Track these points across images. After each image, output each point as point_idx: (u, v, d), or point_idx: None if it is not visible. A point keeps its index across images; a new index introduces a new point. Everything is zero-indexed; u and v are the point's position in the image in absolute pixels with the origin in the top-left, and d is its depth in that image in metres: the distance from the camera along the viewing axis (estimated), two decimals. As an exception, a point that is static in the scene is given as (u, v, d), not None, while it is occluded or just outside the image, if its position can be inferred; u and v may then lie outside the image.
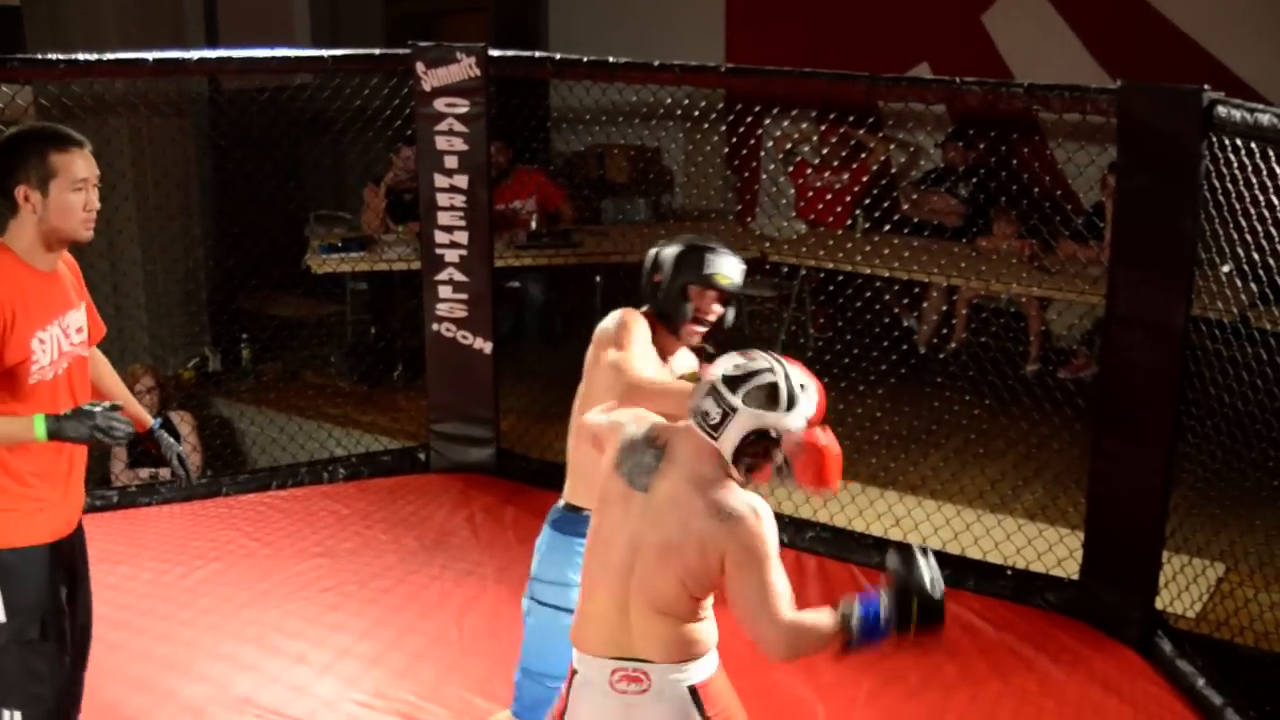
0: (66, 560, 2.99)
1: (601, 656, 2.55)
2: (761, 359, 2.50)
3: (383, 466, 5.65)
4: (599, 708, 2.56)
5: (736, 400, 2.43)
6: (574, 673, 2.61)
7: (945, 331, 6.69)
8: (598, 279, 6.88)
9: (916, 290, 6.74)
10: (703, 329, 3.07)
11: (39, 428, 2.75)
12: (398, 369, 6.75)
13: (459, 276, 5.41)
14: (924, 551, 2.49)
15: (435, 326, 5.48)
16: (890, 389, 5.74)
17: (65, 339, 2.93)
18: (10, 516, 2.85)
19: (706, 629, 2.56)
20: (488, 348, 5.46)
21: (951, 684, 4.02)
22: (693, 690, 2.53)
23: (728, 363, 2.50)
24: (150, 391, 5.84)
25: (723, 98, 6.90)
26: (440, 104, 5.27)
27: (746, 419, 2.42)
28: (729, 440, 2.44)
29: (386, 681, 3.97)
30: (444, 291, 5.44)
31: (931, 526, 4.97)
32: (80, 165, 2.84)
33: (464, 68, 5.23)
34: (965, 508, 5.15)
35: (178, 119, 6.61)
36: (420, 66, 5.25)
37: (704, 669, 2.55)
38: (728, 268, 3.05)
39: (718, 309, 3.07)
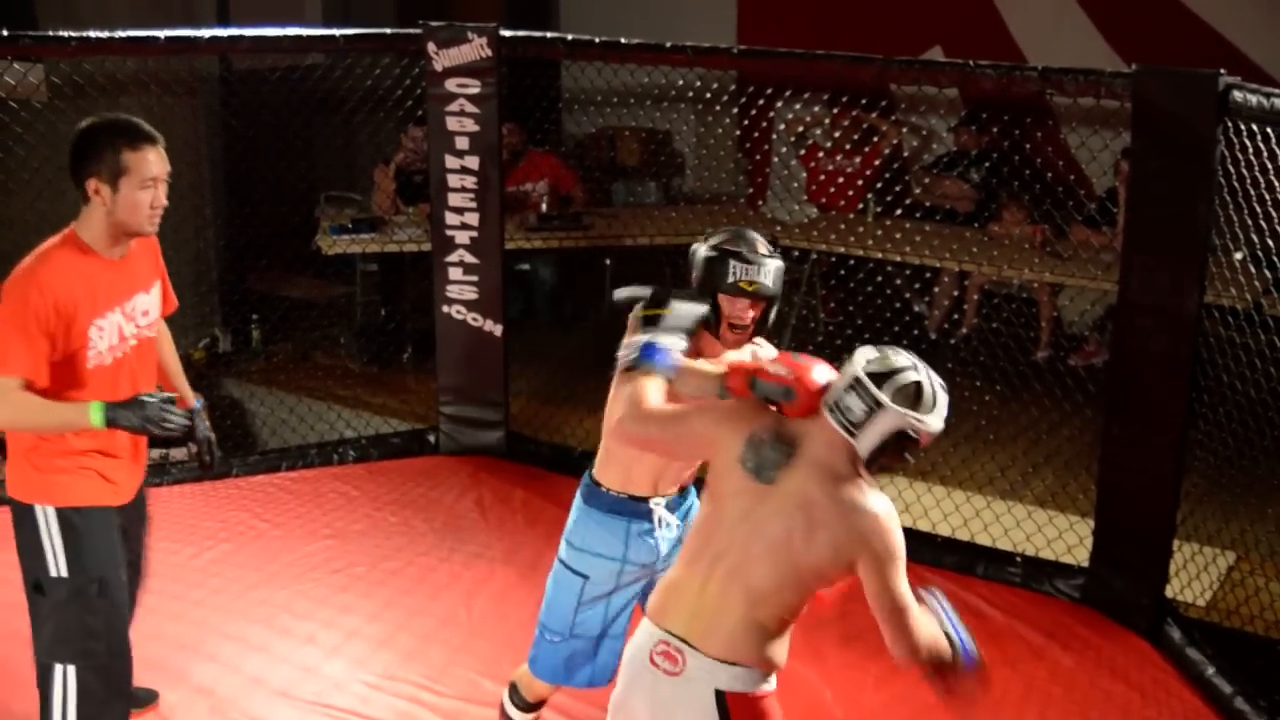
0: (128, 521, 3.10)
1: (658, 626, 2.50)
2: (902, 356, 2.44)
3: (392, 449, 5.65)
4: (631, 674, 2.54)
5: (884, 397, 2.36)
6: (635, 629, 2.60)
7: (956, 317, 6.67)
8: (608, 262, 6.87)
9: (928, 275, 6.72)
10: (739, 334, 2.94)
11: (95, 415, 2.82)
12: (408, 351, 6.75)
13: (469, 258, 5.41)
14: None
15: (445, 308, 5.47)
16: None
17: (128, 323, 3.01)
18: (77, 478, 2.95)
19: (774, 645, 2.48)
20: (498, 330, 5.46)
21: (960, 670, 4.02)
22: (720, 695, 2.44)
23: (865, 357, 2.43)
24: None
25: (734, 80, 6.87)
26: (452, 84, 5.25)
27: (893, 418, 2.36)
28: (870, 438, 2.38)
29: (395, 663, 3.98)
30: (454, 273, 5.43)
31: (941, 513, 4.96)
32: (152, 164, 2.92)
33: (476, 48, 5.22)
34: (975, 494, 5.14)
35: (189, 98, 6.58)
36: (432, 46, 5.24)
37: (748, 682, 2.46)
38: (755, 273, 2.88)
39: (750, 313, 2.92)
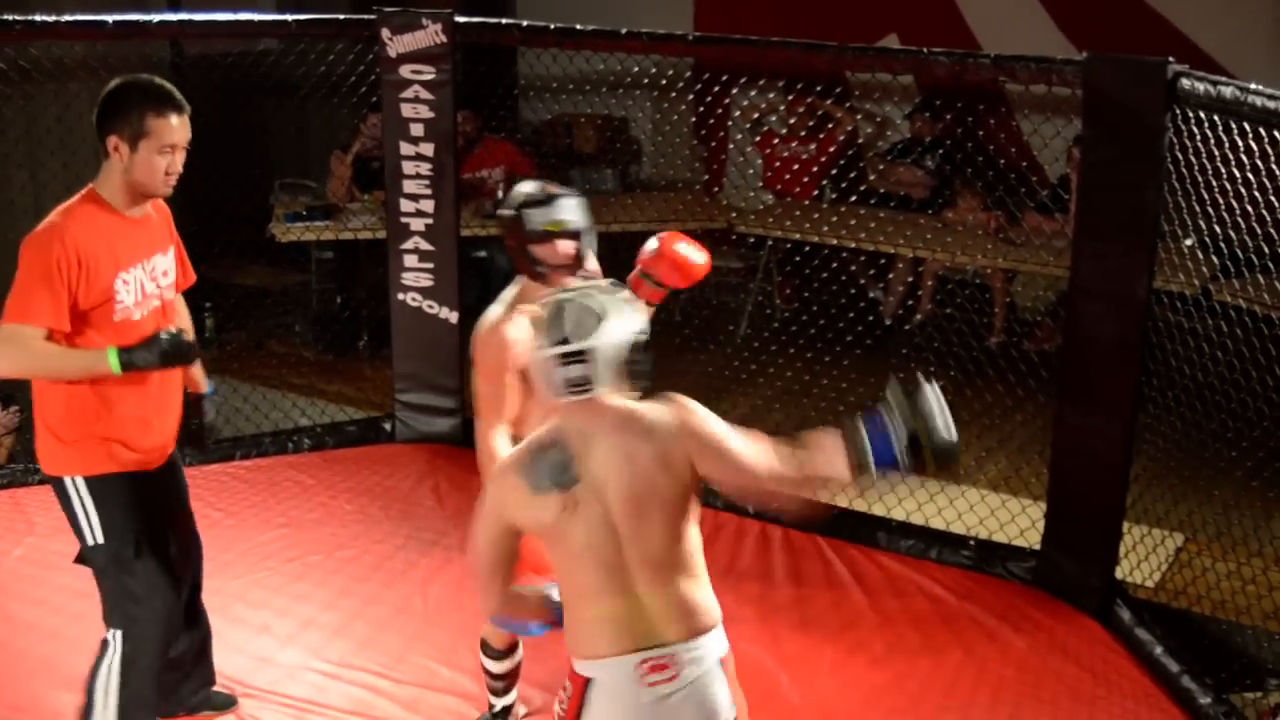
0: (160, 488, 3.17)
1: (621, 655, 2.39)
2: (550, 304, 2.42)
3: (348, 437, 5.62)
4: (627, 710, 2.41)
5: (585, 345, 2.35)
6: (585, 683, 2.43)
7: (911, 303, 6.71)
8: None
9: (883, 261, 6.75)
10: (570, 272, 3.05)
11: (112, 359, 2.89)
12: (363, 339, 6.71)
13: (425, 245, 5.38)
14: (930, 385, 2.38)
15: (401, 296, 5.45)
16: (856, 360, 5.75)
17: (151, 282, 3.09)
18: (102, 447, 3.01)
19: (709, 593, 2.47)
20: (454, 317, 5.44)
21: (914, 653, 4.06)
22: (720, 663, 2.45)
23: (542, 343, 2.39)
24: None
25: (690, 67, 6.87)
26: (406, 71, 5.22)
27: (605, 350, 2.36)
28: (606, 377, 2.37)
29: (350, 651, 3.97)
30: (410, 260, 5.41)
31: (895, 497, 4.98)
32: (173, 131, 2.98)
33: (430, 34, 5.18)
34: (928, 479, 5.17)
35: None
36: (386, 32, 5.20)
37: (722, 641, 2.48)
38: (557, 213, 3.04)
39: (569, 249, 3.06)
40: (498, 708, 3.50)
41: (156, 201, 3.16)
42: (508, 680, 3.46)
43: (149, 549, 3.07)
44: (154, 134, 2.94)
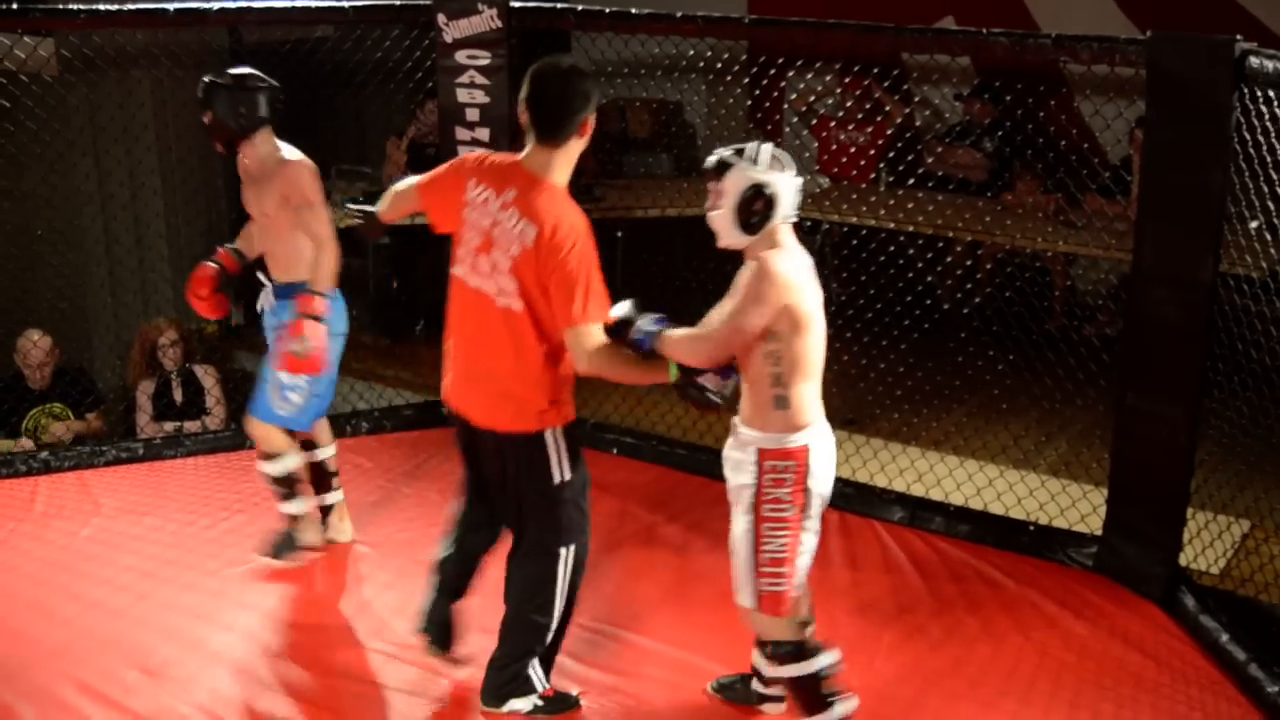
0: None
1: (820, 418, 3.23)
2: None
3: (405, 421, 5.67)
4: (831, 451, 3.24)
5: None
6: (806, 449, 3.13)
7: (969, 287, 6.65)
8: (619, 234, 6.85)
9: (940, 245, 6.70)
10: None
11: (672, 372, 3.21)
12: (420, 323, 6.75)
13: (481, 230, 5.39)
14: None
15: (457, 280, 5.46)
16: (913, 345, 5.71)
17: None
18: (568, 404, 3.38)
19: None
20: (510, 302, 5.44)
21: (973, 638, 4.03)
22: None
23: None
24: (175, 344, 5.87)
25: (745, 50, 6.84)
26: (462, 56, 5.24)
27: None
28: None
29: (409, 632, 3.99)
30: (466, 245, 5.41)
31: (954, 482, 4.96)
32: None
33: (486, 19, 5.20)
34: (988, 464, 5.14)
35: (198, 72, 6.57)
36: (442, 18, 5.22)
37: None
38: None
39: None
40: (294, 512, 4.21)
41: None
42: (291, 484, 4.19)
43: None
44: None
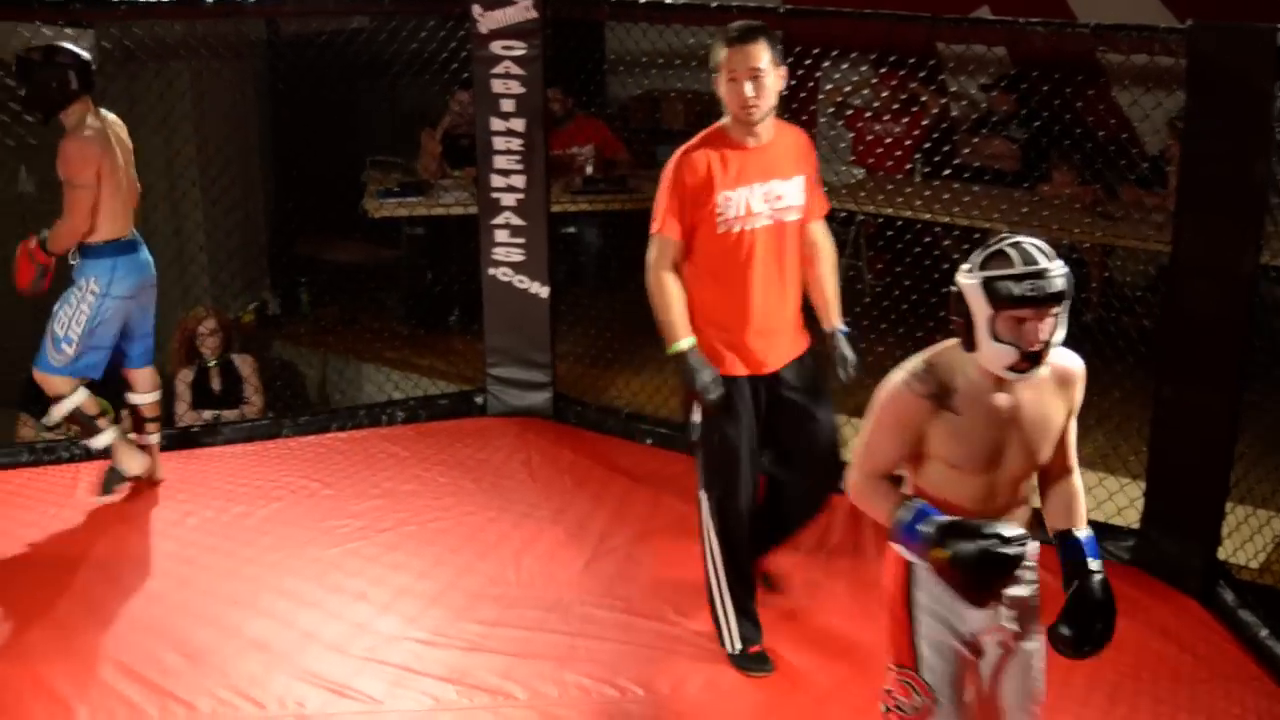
0: (766, 391, 3.65)
1: None
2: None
3: (440, 410, 5.69)
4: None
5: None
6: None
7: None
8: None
9: (976, 236, 6.64)
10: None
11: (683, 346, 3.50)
12: (454, 313, 6.78)
13: (515, 221, 5.41)
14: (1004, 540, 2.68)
15: (492, 271, 5.49)
16: (948, 336, 5.67)
17: (759, 201, 3.52)
18: (713, 350, 3.54)
19: None
20: (544, 292, 5.47)
21: (1008, 630, 4.01)
22: None
23: None
24: (214, 334, 5.91)
25: (779, 40, 6.80)
26: (497, 46, 5.25)
27: None
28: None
29: (445, 620, 4.03)
30: (500, 236, 5.44)
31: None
32: (732, 60, 3.47)
33: (521, 9, 5.20)
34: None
35: (236, 63, 6.63)
36: (477, 9, 5.23)
37: None
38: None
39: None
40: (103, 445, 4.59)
41: (796, 133, 3.69)
42: (86, 421, 4.59)
43: (729, 438, 3.62)
44: (719, 66, 3.46)
